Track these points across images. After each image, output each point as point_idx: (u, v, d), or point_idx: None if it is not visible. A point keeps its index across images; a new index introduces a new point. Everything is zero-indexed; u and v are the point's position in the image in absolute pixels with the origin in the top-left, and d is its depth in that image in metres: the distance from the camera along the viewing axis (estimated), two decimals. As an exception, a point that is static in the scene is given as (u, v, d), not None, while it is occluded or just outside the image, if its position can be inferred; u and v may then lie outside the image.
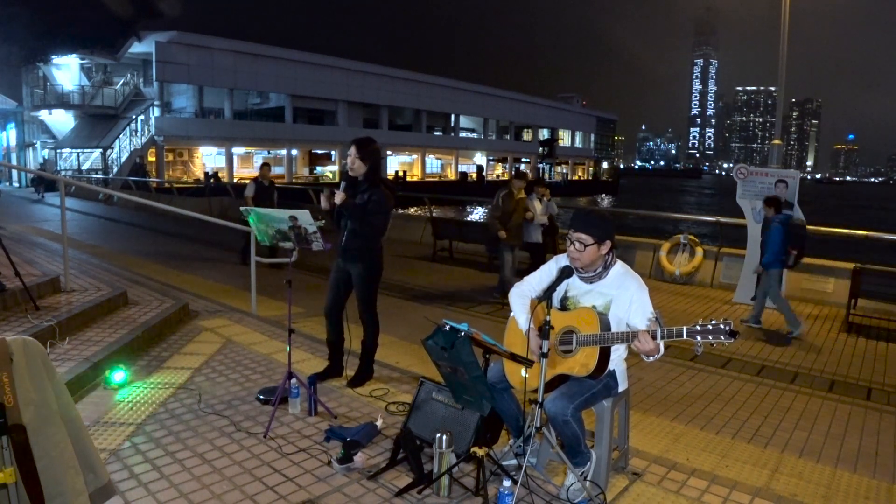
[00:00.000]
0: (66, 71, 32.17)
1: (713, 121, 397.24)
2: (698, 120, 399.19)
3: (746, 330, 6.67)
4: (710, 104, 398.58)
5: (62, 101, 31.83)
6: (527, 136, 61.33)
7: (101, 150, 32.00)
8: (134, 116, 32.80)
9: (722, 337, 2.33)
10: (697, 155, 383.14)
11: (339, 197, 3.79)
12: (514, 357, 2.69)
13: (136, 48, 32.30)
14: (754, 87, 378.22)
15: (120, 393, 3.82)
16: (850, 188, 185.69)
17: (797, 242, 6.56)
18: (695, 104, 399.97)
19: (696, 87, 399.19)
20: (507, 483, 2.52)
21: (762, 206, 6.93)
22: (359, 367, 4.16)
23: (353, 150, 3.87)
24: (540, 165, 58.85)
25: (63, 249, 5.71)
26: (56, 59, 30.91)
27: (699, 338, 2.36)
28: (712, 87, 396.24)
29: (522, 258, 8.41)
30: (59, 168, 32.33)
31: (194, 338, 5.05)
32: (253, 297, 6.28)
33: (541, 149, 58.90)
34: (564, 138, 66.40)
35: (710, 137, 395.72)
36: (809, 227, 7.76)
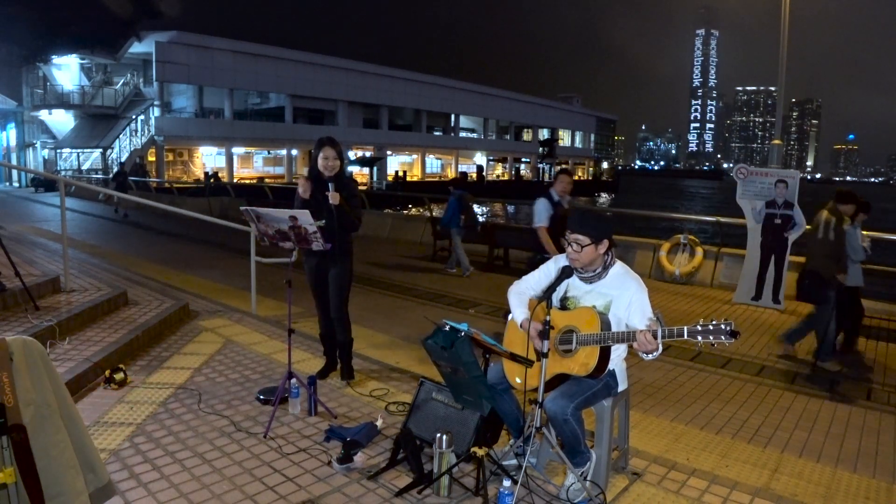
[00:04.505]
0: (66, 71, 32.16)
1: (713, 121, 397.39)
2: (698, 120, 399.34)
3: (747, 330, 6.67)
4: (711, 104, 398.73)
5: (62, 101, 31.83)
6: (527, 136, 61.34)
7: (101, 150, 32.02)
8: (134, 116, 32.79)
9: (723, 337, 2.33)
10: (708, 153, 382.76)
11: (335, 198, 3.79)
12: (514, 357, 2.69)
13: (136, 48, 32.30)
14: (754, 87, 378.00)
15: (120, 393, 3.82)
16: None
17: (465, 210, 9.48)
18: (695, 104, 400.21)
19: (697, 86, 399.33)
20: (507, 483, 2.52)
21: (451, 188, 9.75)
22: (346, 363, 4.21)
23: (330, 151, 3.91)
24: (540, 165, 58.87)
25: (63, 249, 5.71)
26: (56, 59, 30.90)
27: (700, 338, 2.36)
28: (712, 86, 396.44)
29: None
30: (59, 168, 32.35)
31: (194, 338, 5.05)
32: (253, 297, 6.28)
33: (541, 149, 58.92)
34: (564, 138, 66.42)
35: (710, 137, 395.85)
36: (809, 227, 7.77)
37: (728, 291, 8.44)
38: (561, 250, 5.34)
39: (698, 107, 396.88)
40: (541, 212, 5.69)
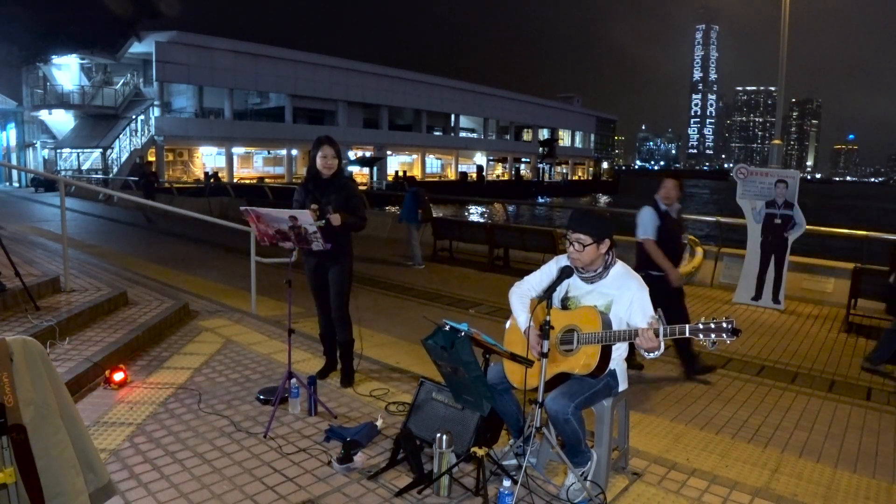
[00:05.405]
0: (66, 71, 32.16)
1: (713, 115, 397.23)
2: (698, 115, 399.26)
3: (747, 330, 6.66)
4: (711, 104, 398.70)
5: (62, 101, 31.83)
6: (527, 136, 61.33)
7: (101, 150, 32.02)
8: (134, 116, 32.80)
9: (724, 335, 2.34)
10: (709, 154, 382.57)
11: (337, 220, 3.75)
12: (514, 357, 2.69)
13: (136, 48, 32.29)
14: (754, 87, 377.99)
15: (120, 393, 3.82)
16: (837, 187, 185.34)
17: (422, 205, 10.26)
18: (695, 98, 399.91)
19: (697, 81, 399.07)
20: (507, 483, 2.52)
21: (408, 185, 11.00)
22: (347, 365, 4.17)
23: (328, 150, 3.87)
24: (540, 165, 58.88)
25: (63, 249, 5.71)
26: (56, 59, 30.87)
27: (702, 336, 2.37)
28: (713, 81, 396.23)
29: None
30: (59, 168, 32.34)
31: (194, 338, 5.05)
32: (253, 297, 6.27)
33: (541, 149, 58.93)
34: (564, 138, 66.41)
35: (710, 132, 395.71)
36: (810, 227, 7.78)
37: (728, 291, 8.44)
38: (672, 263, 4.87)
39: (698, 102, 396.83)
40: (646, 223, 5.05)
